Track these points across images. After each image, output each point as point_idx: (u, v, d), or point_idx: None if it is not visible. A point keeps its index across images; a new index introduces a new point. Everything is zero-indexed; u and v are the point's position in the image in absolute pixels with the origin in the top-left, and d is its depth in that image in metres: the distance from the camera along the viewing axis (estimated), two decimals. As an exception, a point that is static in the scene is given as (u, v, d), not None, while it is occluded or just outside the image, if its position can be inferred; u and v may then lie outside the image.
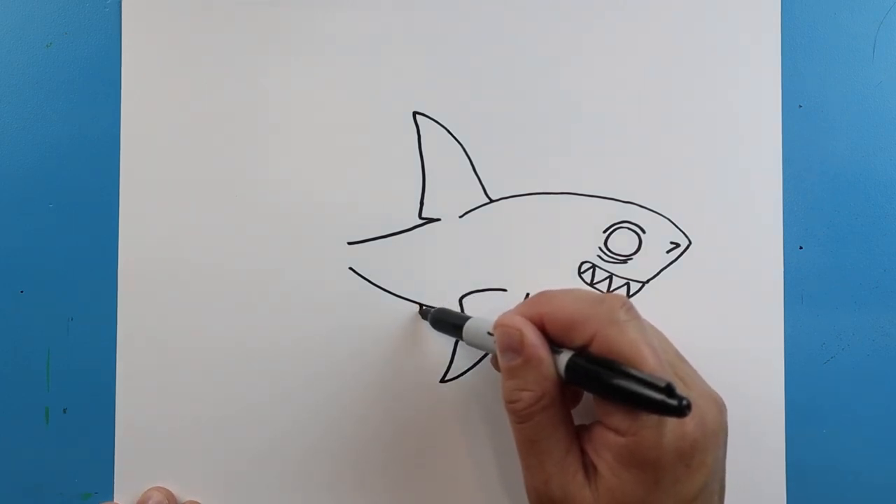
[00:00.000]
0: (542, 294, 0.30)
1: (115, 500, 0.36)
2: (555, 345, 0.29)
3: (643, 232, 0.37)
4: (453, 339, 0.36)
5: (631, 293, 0.37)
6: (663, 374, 0.27)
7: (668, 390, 0.25)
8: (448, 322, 0.34)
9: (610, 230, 0.37)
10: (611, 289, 0.37)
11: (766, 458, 0.36)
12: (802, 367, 0.37)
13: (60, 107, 0.37)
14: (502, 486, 0.36)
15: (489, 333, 0.30)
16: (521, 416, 0.29)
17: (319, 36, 0.37)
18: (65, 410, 0.37)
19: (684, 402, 0.24)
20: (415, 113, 0.37)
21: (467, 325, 0.32)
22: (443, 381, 0.36)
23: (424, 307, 0.36)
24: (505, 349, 0.29)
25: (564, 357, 0.28)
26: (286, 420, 0.36)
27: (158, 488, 0.36)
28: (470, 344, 0.33)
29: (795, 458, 0.36)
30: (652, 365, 0.27)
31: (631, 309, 0.28)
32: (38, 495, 0.37)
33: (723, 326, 0.36)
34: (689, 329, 0.36)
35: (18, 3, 0.37)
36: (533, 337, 0.28)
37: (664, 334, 0.33)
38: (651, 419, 0.27)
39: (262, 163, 0.37)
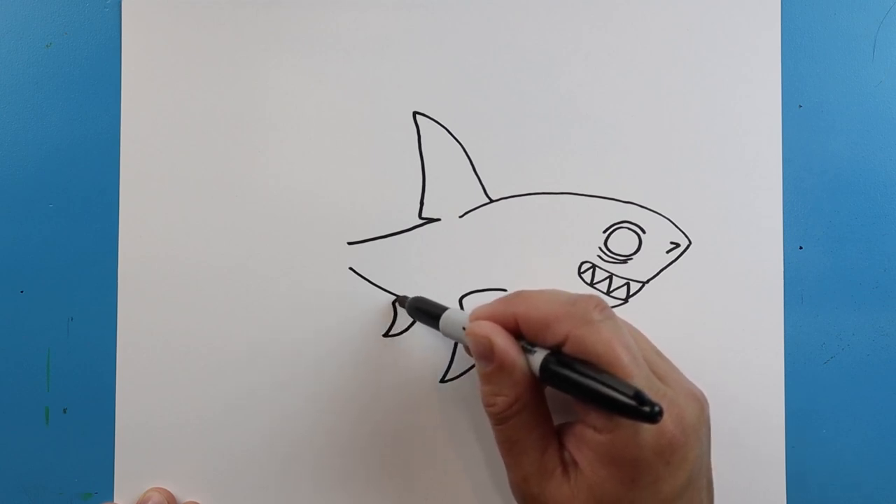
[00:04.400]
0: (517, 294, 0.30)
1: (115, 500, 0.36)
2: (529, 344, 0.29)
3: (643, 232, 0.37)
4: (453, 340, 0.36)
5: (631, 293, 0.37)
6: (638, 374, 0.27)
7: (638, 398, 0.25)
8: (425, 311, 0.34)
9: (610, 230, 0.37)
10: (611, 289, 0.37)
11: (765, 457, 0.36)
12: (802, 366, 0.37)
13: (60, 107, 0.37)
14: (502, 485, 0.36)
15: (464, 328, 0.31)
16: (497, 419, 0.29)
17: (320, 36, 0.37)
18: (65, 410, 0.37)
19: (656, 409, 0.24)
20: (415, 113, 0.37)
21: (444, 316, 0.33)
22: (443, 381, 0.36)
23: (401, 296, 0.36)
24: (478, 356, 0.29)
25: (539, 357, 0.28)
26: (286, 420, 0.36)
27: (158, 488, 0.36)
28: (446, 335, 0.33)
29: (795, 458, 0.36)
30: (626, 364, 0.27)
31: (605, 309, 0.28)
32: (38, 495, 0.37)
33: (723, 326, 0.36)
34: (689, 329, 0.36)
35: (18, 3, 0.37)
36: (503, 344, 0.29)
37: (641, 332, 0.33)
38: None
39: (262, 163, 0.37)
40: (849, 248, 0.37)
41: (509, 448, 0.30)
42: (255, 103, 0.37)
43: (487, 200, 0.37)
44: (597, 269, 0.37)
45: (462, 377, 0.36)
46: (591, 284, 0.37)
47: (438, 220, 0.37)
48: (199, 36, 0.37)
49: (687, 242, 0.37)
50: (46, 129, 0.37)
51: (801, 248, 0.37)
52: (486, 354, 0.29)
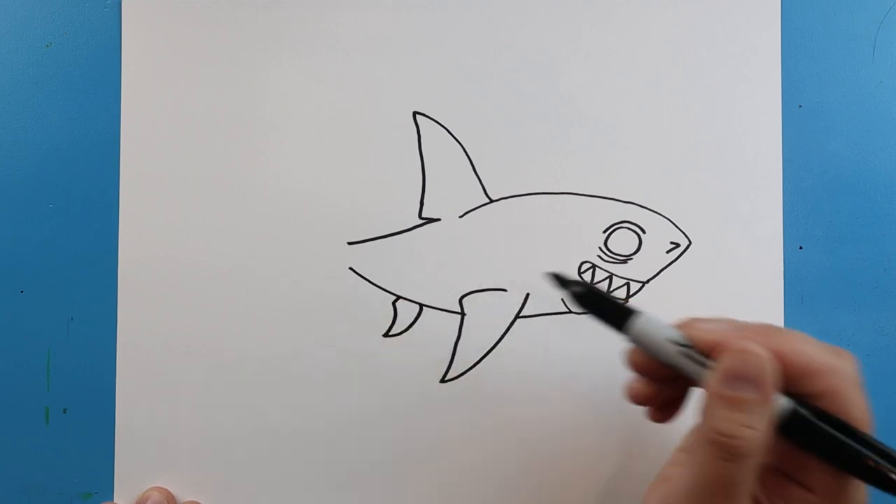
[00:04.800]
0: (769, 327, 0.28)
1: (115, 500, 0.36)
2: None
3: (643, 232, 0.37)
4: (453, 339, 0.36)
5: (631, 293, 0.37)
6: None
7: None
8: (606, 309, 0.29)
9: (610, 230, 0.37)
10: (611, 289, 0.37)
11: (766, 458, 0.36)
12: (802, 367, 0.37)
13: (60, 107, 0.37)
14: (502, 485, 0.36)
15: (680, 344, 0.27)
16: (732, 455, 0.25)
17: (320, 36, 0.37)
18: (65, 410, 0.37)
19: None
20: (415, 113, 0.37)
21: (640, 322, 0.28)
22: (443, 381, 0.36)
23: (561, 275, 0.30)
24: (736, 377, 0.26)
25: (782, 403, 0.26)
26: (285, 420, 0.36)
27: (158, 488, 0.36)
28: (634, 341, 0.28)
29: (795, 458, 0.36)
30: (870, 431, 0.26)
31: (859, 367, 0.27)
32: (38, 495, 0.37)
33: (723, 326, 0.36)
34: (689, 329, 0.36)
35: (18, 3, 0.37)
36: (776, 374, 0.26)
37: None
38: (856, 485, 0.26)
39: (262, 163, 0.37)
40: (849, 248, 0.37)
41: (723, 489, 0.25)
42: (255, 103, 0.37)
43: (487, 200, 0.37)
44: (597, 269, 0.37)
45: (462, 377, 0.36)
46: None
47: (438, 220, 0.37)
48: (199, 36, 0.37)
49: (687, 242, 0.37)
50: (46, 129, 0.37)
51: (801, 248, 0.37)
52: (752, 378, 0.25)
